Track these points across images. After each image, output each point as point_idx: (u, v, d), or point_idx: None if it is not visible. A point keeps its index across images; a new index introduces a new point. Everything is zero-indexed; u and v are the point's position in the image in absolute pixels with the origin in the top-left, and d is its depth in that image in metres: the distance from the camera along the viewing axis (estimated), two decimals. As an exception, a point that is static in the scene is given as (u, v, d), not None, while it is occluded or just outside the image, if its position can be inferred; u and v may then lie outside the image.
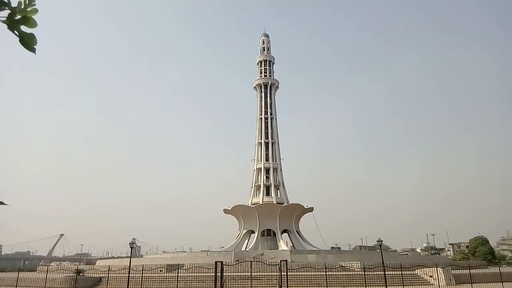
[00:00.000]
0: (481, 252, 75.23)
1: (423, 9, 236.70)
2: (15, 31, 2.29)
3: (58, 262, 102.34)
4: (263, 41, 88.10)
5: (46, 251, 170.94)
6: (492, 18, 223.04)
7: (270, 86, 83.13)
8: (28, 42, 2.33)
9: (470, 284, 32.63)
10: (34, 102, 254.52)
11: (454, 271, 37.11)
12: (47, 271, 39.99)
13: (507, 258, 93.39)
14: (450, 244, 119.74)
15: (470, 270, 34.86)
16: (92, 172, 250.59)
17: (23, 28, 2.31)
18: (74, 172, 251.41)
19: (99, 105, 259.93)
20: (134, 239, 31.29)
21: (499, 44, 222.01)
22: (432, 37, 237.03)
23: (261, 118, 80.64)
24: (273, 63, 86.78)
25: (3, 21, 2.25)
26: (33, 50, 2.36)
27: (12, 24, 2.26)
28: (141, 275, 32.85)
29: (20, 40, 2.31)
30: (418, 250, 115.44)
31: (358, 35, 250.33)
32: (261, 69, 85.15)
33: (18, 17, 2.27)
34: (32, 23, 2.33)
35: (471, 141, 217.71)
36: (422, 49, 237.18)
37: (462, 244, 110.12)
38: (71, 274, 38.43)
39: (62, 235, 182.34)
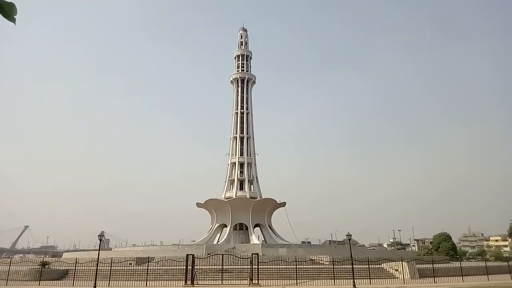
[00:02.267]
0: (444, 247, 78.49)
1: (409, 2, 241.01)
2: None
3: (21, 255, 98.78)
4: (241, 35, 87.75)
5: (8, 243, 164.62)
6: (483, 13, 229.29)
7: (247, 81, 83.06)
8: (8, 11, 2.28)
9: (433, 278, 34.05)
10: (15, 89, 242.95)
11: (419, 265, 38.59)
12: (10, 263, 38.58)
13: (467, 254, 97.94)
14: (415, 239, 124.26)
15: (434, 265, 36.39)
16: (59, 160, 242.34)
17: None
18: (41, 159, 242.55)
19: (72, 94, 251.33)
20: (103, 231, 30.64)
21: (492, 37, 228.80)
22: (418, 30, 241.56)
23: (237, 113, 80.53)
24: (250, 58, 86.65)
25: None
26: (13, 20, 2.30)
27: None
28: (109, 268, 32.23)
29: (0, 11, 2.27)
30: (385, 245, 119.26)
31: (339, 31, 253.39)
32: (238, 63, 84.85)
33: None
34: None
35: (447, 139, 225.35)
36: (407, 42, 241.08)
37: (427, 240, 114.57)
38: (36, 267, 37.26)
39: (26, 227, 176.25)
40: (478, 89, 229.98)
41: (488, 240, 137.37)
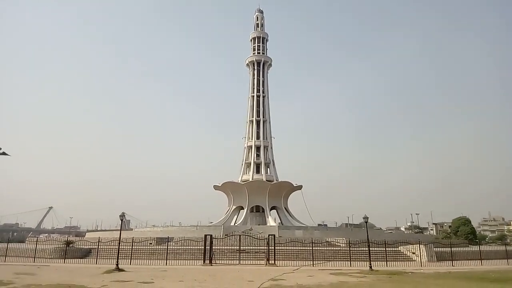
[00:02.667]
0: (463, 232, 77.47)
1: None
2: None
3: (47, 234, 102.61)
4: (257, 17, 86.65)
5: (34, 223, 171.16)
6: (494, 6, 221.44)
7: (263, 63, 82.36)
8: None
9: (451, 261, 33.83)
10: (23, 70, 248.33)
11: (436, 248, 38.35)
12: (36, 242, 40.20)
13: (487, 238, 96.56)
14: (433, 223, 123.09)
15: (452, 248, 36.08)
16: (81, 146, 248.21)
17: None
18: (64, 145, 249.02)
19: (89, 81, 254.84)
20: (123, 212, 31.49)
21: (499, 30, 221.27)
22: (429, 23, 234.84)
23: (253, 96, 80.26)
24: (266, 40, 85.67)
25: None
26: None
27: None
28: (131, 247, 33.25)
29: None
30: (402, 229, 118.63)
31: (353, 21, 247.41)
32: (254, 45, 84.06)
33: None
34: None
35: (467, 127, 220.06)
36: (417, 34, 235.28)
37: (445, 224, 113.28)
38: (61, 245, 38.74)
39: (51, 207, 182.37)
40: (494, 78, 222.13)
41: (509, 224, 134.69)
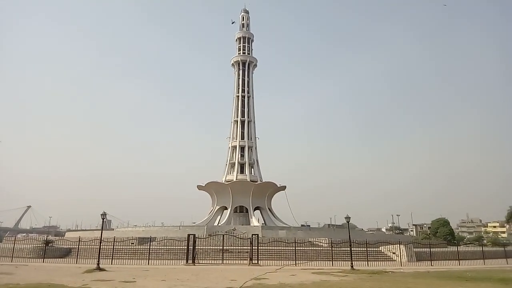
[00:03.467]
0: (442, 233, 79.33)
1: None
2: None
3: (25, 234, 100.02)
4: (243, 17, 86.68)
5: (12, 223, 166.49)
6: None
7: (248, 64, 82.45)
8: None
9: (430, 261, 34.65)
10: (11, 65, 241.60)
11: (416, 249, 39.23)
12: (14, 241, 39.25)
13: (465, 239, 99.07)
14: (413, 224, 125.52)
15: (431, 249, 36.97)
16: (60, 144, 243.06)
17: None
18: (43, 142, 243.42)
19: (68, 76, 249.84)
20: (104, 211, 31.06)
21: (496, 19, 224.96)
22: (428, 13, 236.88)
23: (238, 96, 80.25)
24: (252, 41, 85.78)
25: None
26: None
27: None
28: (112, 247, 32.79)
29: None
30: (384, 229, 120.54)
31: (342, 14, 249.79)
32: (240, 45, 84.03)
33: None
34: None
35: (453, 127, 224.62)
36: (416, 26, 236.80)
37: (425, 225, 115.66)
38: (40, 245, 37.94)
39: (29, 207, 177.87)
40: (488, 73, 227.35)
41: (486, 226, 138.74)
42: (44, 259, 33.66)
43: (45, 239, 41.46)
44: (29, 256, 35.42)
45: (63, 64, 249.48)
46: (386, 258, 37.09)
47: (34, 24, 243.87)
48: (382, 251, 39.32)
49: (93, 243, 34.37)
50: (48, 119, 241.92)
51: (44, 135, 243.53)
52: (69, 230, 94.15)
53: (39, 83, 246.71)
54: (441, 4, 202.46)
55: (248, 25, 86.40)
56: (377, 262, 33.92)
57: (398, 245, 38.40)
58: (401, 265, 32.74)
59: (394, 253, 37.95)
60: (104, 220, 31.39)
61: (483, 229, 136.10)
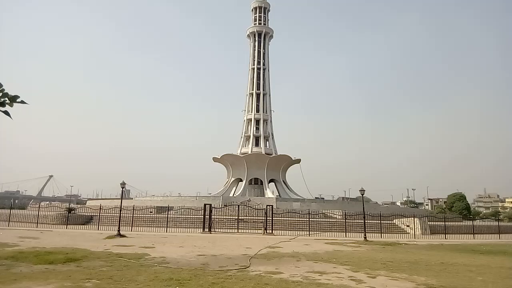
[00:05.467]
0: (458, 207, 78.81)
1: None
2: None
3: (48, 202, 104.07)
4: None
5: (35, 191, 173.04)
6: None
7: (264, 35, 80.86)
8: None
9: (444, 235, 34.69)
10: (30, 32, 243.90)
11: (430, 222, 39.24)
12: (39, 208, 40.95)
13: (481, 214, 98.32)
14: (429, 199, 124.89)
15: (445, 222, 36.92)
16: (81, 117, 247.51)
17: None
18: (64, 115, 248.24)
19: (87, 50, 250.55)
20: (124, 181, 31.91)
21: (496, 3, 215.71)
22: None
23: (253, 68, 79.32)
24: (268, 10, 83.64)
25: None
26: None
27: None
28: (131, 215, 33.96)
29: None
30: (398, 203, 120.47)
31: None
32: (256, 16, 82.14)
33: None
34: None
35: (470, 104, 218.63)
36: (424, 6, 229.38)
37: (441, 200, 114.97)
38: (63, 212, 39.51)
39: (51, 176, 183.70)
40: (490, 52, 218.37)
41: (503, 201, 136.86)
42: (67, 226, 35.13)
43: (68, 206, 43.06)
44: (52, 222, 36.97)
45: (81, 38, 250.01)
46: (400, 231, 37.32)
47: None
48: (396, 223, 39.52)
49: (113, 211, 35.59)
50: (71, 94, 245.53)
51: (66, 109, 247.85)
52: (90, 199, 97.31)
53: (60, 59, 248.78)
54: None
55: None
56: (391, 234, 34.21)
57: (412, 218, 38.47)
58: (414, 238, 32.92)
59: (408, 226, 38.11)
60: (124, 189, 32.31)
61: (500, 204, 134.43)
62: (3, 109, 3.06)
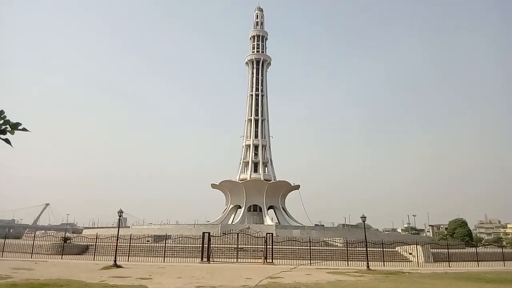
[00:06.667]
0: (460, 233, 77.80)
1: None
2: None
3: (43, 231, 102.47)
4: (257, 15, 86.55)
5: (31, 220, 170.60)
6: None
7: (262, 62, 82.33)
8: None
9: (448, 262, 34.02)
10: (25, 65, 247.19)
11: (433, 249, 38.57)
12: (34, 238, 40.16)
13: (483, 241, 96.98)
14: (430, 225, 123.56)
15: (448, 250, 36.29)
16: (77, 144, 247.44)
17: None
18: (60, 142, 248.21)
19: (87, 76, 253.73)
20: (121, 209, 31.45)
21: (498, 23, 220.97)
22: (432, 16, 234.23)
23: (252, 95, 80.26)
24: (266, 39, 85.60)
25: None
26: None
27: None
28: (128, 244, 33.28)
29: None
30: (399, 230, 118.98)
31: (354, 14, 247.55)
32: (254, 44, 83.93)
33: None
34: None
35: (468, 127, 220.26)
36: (421, 27, 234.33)
37: (442, 226, 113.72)
38: (58, 242, 38.72)
39: (47, 204, 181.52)
40: (489, 75, 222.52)
41: (505, 227, 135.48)
42: (63, 256, 34.31)
43: (63, 236, 42.26)
44: (48, 252, 36.16)
45: (80, 64, 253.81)
46: (403, 259, 36.57)
47: (52, 19, 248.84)
48: (399, 251, 38.80)
49: (110, 241, 34.89)
50: (67, 121, 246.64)
51: (63, 136, 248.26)
52: (86, 228, 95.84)
53: (56, 84, 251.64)
54: (445, 8, 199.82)
55: (262, 23, 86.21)
56: (394, 262, 33.51)
57: (415, 245, 37.81)
58: (418, 266, 32.23)
59: (410, 253, 37.40)
60: (121, 217, 31.82)
61: (502, 230, 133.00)
62: (3, 137, 2.96)
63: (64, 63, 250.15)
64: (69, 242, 38.96)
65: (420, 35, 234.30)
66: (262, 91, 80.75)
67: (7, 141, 3.02)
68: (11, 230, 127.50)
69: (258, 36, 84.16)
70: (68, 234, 51.60)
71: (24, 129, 3.06)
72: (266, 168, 77.44)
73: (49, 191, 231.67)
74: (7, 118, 3.03)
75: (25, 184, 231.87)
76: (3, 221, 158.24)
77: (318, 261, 32.71)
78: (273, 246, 32.49)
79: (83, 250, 37.91)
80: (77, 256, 34.98)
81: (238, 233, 36.69)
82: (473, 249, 41.42)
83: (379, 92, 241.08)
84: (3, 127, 3.02)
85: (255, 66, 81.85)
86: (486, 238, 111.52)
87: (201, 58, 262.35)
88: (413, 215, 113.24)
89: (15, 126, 2.99)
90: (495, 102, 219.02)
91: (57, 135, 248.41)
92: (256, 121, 78.72)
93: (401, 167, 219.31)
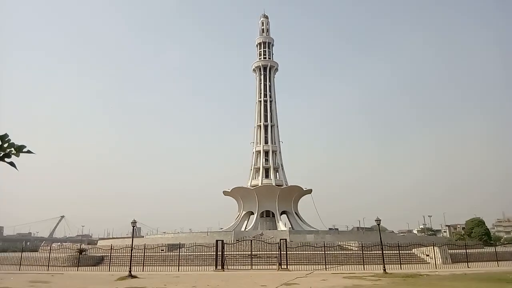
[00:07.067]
0: (477, 233, 76.32)
1: None
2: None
3: (59, 243, 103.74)
4: (262, 23, 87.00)
5: (47, 232, 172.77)
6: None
7: (269, 68, 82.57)
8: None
9: (466, 263, 33.31)
10: (34, 83, 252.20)
11: (451, 250, 37.83)
12: (50, 250, 40.60)
13: (502, 239, 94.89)
14: (446, 225, 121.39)
15: (466, 250, 35.54)
16: (90, 159, 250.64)
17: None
18: (74, 159, 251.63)
19: (100, 89, 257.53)
20: (135, 219, 31.61)
21: (506, 24, 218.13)
22: (438, 17, 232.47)
23: (260, 101, 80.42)
24: (272, 45, 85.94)
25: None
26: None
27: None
28: (143, 254, 33.41)
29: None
30: (415, 231, 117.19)
31: (360, 16, 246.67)
32: (260, 51, 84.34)
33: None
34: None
35: (480, 124, 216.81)
36: (427, 29, 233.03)
37: (458, 226, 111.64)
38: (74, 253, 39.05)
39: (62, 217, 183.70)
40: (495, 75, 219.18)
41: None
42: (78, 267, 34.52)
43: (79, 247, 42.62)
44: (64, 264, 36.49)
45: (91, 76, 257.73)
46: (420, 261, 35.91)
47: (59, 29, 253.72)
48: (415, 253, 38.17)
49: (124, 251, 35.06)
50: (82, 133, 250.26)
51: (77, 149, 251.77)
52: (101, 238, 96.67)
53: (74, 98, 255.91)
54: (452, 9, 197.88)
55: (268, 30, 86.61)
56: (411, 265, 32.87)
57: (432, 247, 37.12)
58: (435, 268, 31.60)
59: (427, 255, 36.72)
60: (134, 227, 31.97)
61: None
62: (8, 160, 2.97)
63: (76, 76, 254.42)
64: (84, 254, 39.23)
65: (426, 36, 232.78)
66: (270, 97, 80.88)
67: (12, 164, 3.05)
68: (28, 243, 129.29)
69: (264, 43, 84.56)
70: (83, 246, 52.04)
71: (28, 151, 3.07)
72: (277, 173, 77.27)
73: (65, 205, 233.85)
74: (11, 141, 3.06)
75: (41, 198, 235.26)
76: (20, 235, 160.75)
77: (334, 266, 32.33)
78: (287, 252, 32.24)
79: (98, 261, 38.17)
80: (92, 267, 35.16)
81: (251, 240, 36.50)
82: (492, 249, 40.53)
83: (388, 93, 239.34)
84: (8, 150, 3.04)
85: (262, 72, 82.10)
86: (505, 236, 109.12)
87: (208, 64, 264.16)
88: (428, 216, 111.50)
89: (19, 149, 3.01)
90: (506, 100, 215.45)
91: (72, 149, 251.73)
92: (266, 127, 78.75)
93: (413, 167, 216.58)
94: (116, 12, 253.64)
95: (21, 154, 2.98)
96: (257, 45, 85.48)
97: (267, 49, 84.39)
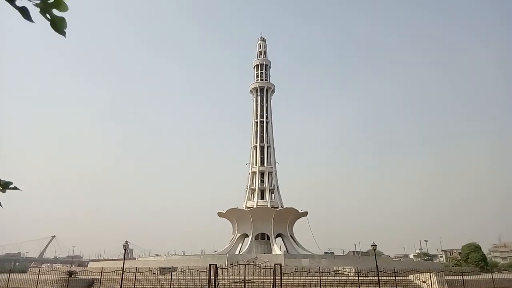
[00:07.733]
0: (474, 258, 75.50)
1: (432, 5, 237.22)
2: (47, 15, 2.37)
3: (49, 264, 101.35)
4: (260, 45, 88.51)
5: (37, 253, 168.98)
6: (502, 17, 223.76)
7: (266, 90, 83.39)
8: (59, 25, 2.42)
9: (463, 290, 32.80)
10: (32, 103, 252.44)
11: (447, 277, 37.29)
12: (39, 272, 39.59)
13: (499, 265, 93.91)
14: (442, 250, 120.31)
15: (463, 276, 35.06)
16: (82, 178, 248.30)
17: (55, 11, 2.39)
18: (67, 178, 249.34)
19: (92, 108, 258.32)
20: (127, 241, 31.05)
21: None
22: (443, 34, 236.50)
23: (257, 122, 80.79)
24: (269, 67, 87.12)
25: (36, 4, 2.32)
26: (63, 33, 2.46)
27: (44, 7, 2.34)
28: (134, 277, 32.60)
29: (51, 24, 2.40)
30: (411, 256, 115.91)
31: (364, 32, 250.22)
32: (257, 72, 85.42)
33: (51, 0, 2.35)
34: (63, 7, 2.38)
35: (476, 147, 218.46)
36: (431, 47, 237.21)
37: (455, 251, 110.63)
38: (63, 276, 38.06)
39: (53, 237, 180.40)
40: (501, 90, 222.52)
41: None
42: (67, 291, 33.65)
43: (69, 270, 41.61)
44: (53, 287, 35.48)
45: (82, 93, 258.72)
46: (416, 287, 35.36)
47: (58, 39, 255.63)
48: (412, 279, 37.57)
49: (115, 274, 34.22)
50: (71, 154, 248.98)
51: (67, 169, 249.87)
52: (92, 260, 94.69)
53: (60, 119, 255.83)
54: (455, 26, 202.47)
55: (265, 53, 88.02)
56: (407, 292, 32.34)
57: (429, 273, 36.60)
58: (432, 295, 31.05)
59: (424, 282, 36.14)
60: (126, 250, 31.38)
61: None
62: None
63: (64, 91, 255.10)
64: (74, 277, 38.25)
65: (429, 53, 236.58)
66: (266, 118, 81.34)
67: (14, 188, 2.94)
68: (17, 264, 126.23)
69: (261, 65, 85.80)
70: (73, 268, 50.82)
71: (15, 188, 2.96)
72: (272, 195, 76.79)
73: (56, 224, 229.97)
74: None
75: (31, 218, 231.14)
76: (9, 255, 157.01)
77: (329, 292, 31.66)
78: (282, 277, 31.56)
79: (88, 284, 37.15)
80: (82, 291, 34.31)
81: (245, 265, 35.81)
82: (488, 275, 39.99)
83: (385, 115, 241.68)
84: None
85: (259, 93, 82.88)
86: (502, 262, 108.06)
87: (205, 86, 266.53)
88: (425, 240, 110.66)
89: (6, 185, 2.90)
90: (507, 122, 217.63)
91: (62, 169, 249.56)
92: (262, 148, 78.83)
93: (410, 191, 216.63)
94: (115, 33, 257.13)
95: (7, 190, 2.88)
96: (254, 67, 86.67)
97: (264, 71, 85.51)
